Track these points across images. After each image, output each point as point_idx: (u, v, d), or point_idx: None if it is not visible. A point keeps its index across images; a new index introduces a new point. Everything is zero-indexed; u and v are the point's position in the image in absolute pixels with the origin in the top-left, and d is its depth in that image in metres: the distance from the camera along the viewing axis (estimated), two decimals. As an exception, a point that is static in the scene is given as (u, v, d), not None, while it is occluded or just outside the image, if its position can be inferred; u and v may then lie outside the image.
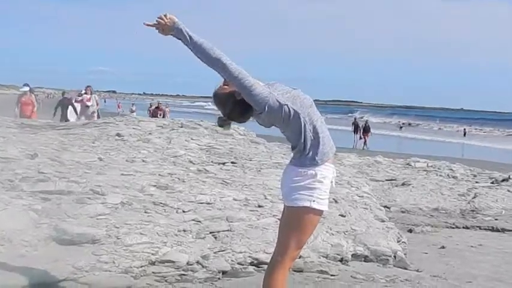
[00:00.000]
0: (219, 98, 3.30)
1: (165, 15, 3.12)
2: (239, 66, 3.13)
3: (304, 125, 3.19)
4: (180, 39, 3.13)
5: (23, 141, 6.40)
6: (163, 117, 18.49)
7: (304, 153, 3.20)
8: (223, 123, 3.37)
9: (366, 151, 22.71)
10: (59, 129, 7.88)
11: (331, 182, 3.27)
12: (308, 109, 3.23)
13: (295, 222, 3.22)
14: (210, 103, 17.03)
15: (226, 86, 3.27)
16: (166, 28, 3.12)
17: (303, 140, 3.20)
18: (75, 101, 17.23)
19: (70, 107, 16.79)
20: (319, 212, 3.24)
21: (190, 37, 3.11)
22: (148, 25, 3.18)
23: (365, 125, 31.99)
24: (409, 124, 31.89)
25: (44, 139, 6.73)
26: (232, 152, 7.63)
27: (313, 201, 3.17)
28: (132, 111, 35.31)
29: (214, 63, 3.12)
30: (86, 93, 17.58)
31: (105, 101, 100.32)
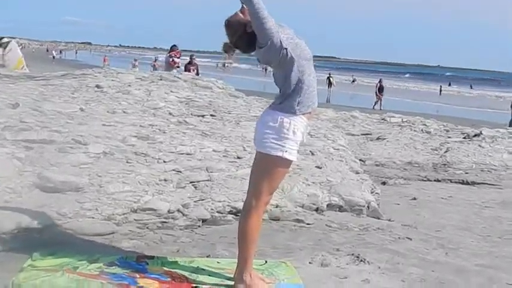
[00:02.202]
0: (230, 25, 3.37)
1: None
2: None
3: (295, 72, 3.30)
4: None
5: (3, 91, 6.40)
6: (197, 74, 16.23)
7: (285, 98, 3.32)
8: (228, 49, 3.46)
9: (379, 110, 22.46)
10: (37, 80, 7.84)
11: (303, 135, 3.39)
12: (304, 61, 3.34)
13: (267, 169, 3.35)
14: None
15: (241, 15, 3.34)
16: None
17: (288, 85, 3.31)
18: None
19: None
20: (290, 162, 3.39)
21: None
22: None
23: (379, 84, 31.68)
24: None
25: (24, 89, 6.74)
26: (211, 105, 7.71)
27: (286, 151, 3.30)
28: (135, 66, 32.82)
29: None
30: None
31: (76, 52, 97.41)
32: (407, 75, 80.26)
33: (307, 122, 3.40)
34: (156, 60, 35.39)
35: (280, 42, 3.26)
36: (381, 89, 31.29)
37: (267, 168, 3.36)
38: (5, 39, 13.82)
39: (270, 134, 3.30)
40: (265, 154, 3.33)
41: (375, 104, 30.14)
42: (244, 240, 3.40)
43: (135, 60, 42.11)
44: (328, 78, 39.22)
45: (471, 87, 64.84)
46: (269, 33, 3.23)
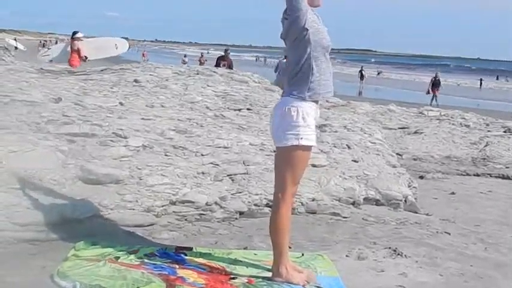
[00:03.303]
0: None
1: None
2: None
3: (308, 56, 3.34)
4: None
5: (46, 85, 6.57)
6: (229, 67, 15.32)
7: (296, 82, 3.37)
8: None
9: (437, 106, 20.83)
10: (77, 75, 8.02)
11: (314, 119, 3.42)
12: (320, 48, 3.38)
13: (288, 160, 3.39)
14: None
15: None
16: None
17: (300, 69, 3.36)
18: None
19: None
20: (308, 148, 3.42)
21: None
22: None
23: (435, 79, 29.45)
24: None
25: (66, 84, 6.90)
26: (248, 99, 7.75)
27: (301, 138, 3.33)
28: (184, 63, 32.18)
29: None
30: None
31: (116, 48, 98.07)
32: (451, 66, 78.36)
33: (317, 107, 3.44)
34: (202, 56, 35.49)
35: (305, 21, 3.30)
36: (435, 84, 28.97)
37: (287, 160, 3.40)
38: (80, 34, 13.55)
39: (282, 126, 3.36)
40: (283, 147, 3.37)
41: (431, 101, 27.22)
42: (276, 233, 3.45)
43: (185, 56, 42.16)
44: (361, 71, 38.98)
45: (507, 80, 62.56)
46: (298, 7, 3.28)
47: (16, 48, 49.76)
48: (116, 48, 15.66)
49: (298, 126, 3.32)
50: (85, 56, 13.08)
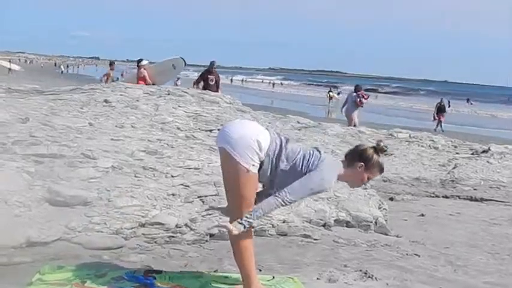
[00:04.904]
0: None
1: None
2: (279, 198, 3.31)
3: None
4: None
5: (13, 105, 6.46)
6: (217, 87, 14.21)
7: None
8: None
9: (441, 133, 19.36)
10: (46, 95, 7.91)
11: None
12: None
13: None
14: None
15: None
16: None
17: None
18: None
19: None
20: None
21: (255, 219, 3.32)
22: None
23: (440, 104, 28.26)
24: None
25: (34, 104, 6.79)
26: (219, 119, 7.74)
27: None
28: (176, 85, 30.92)
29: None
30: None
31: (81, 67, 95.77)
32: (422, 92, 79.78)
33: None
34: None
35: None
36: (440, 110, 27.83)
37: None
38: (145, 61, 14.07)
39: None
40: None
41: (436, 127, 26.15)
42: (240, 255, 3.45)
43: (178, 79, 39.48)
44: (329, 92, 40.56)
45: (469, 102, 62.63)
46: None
47: (10, 69, 48.48)
48: (174, 68, 15.62)
49: None
50: (152, 84, 12.95)
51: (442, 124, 26.79)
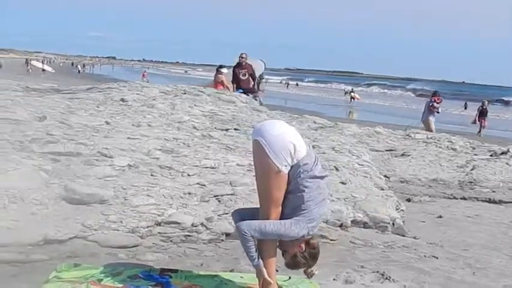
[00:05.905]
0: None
1: None
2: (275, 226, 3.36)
3: None
4: None
5: (31, 104, 6.50)
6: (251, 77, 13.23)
7: None
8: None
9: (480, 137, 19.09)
10: (63, 93, 7.97)
11: None
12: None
13: None
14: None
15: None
16: None
17: None
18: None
19: None
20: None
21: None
22: None
23: (482, 107, 26.66)
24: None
25: (51, 103, 6.83)
26: (235, 118, 7.73)
27: None
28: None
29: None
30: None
31: (100, 68, 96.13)
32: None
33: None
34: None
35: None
36: (482, 113, 26.34)
37: None
38: (224, 69, 14.28)
39: None
40: None
41: (479, 131, 24.98)
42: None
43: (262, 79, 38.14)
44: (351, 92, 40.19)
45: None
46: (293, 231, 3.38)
47: (43, 70, 48.06)
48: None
49: None
50: (227, 87, 13.41)
51: (484, 128, 25.46)
